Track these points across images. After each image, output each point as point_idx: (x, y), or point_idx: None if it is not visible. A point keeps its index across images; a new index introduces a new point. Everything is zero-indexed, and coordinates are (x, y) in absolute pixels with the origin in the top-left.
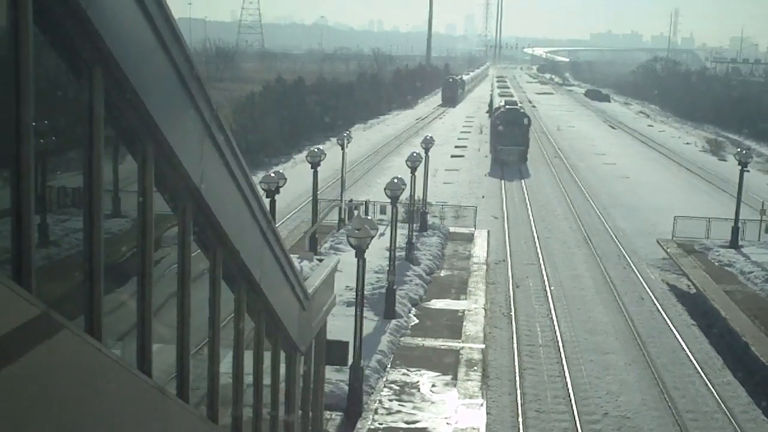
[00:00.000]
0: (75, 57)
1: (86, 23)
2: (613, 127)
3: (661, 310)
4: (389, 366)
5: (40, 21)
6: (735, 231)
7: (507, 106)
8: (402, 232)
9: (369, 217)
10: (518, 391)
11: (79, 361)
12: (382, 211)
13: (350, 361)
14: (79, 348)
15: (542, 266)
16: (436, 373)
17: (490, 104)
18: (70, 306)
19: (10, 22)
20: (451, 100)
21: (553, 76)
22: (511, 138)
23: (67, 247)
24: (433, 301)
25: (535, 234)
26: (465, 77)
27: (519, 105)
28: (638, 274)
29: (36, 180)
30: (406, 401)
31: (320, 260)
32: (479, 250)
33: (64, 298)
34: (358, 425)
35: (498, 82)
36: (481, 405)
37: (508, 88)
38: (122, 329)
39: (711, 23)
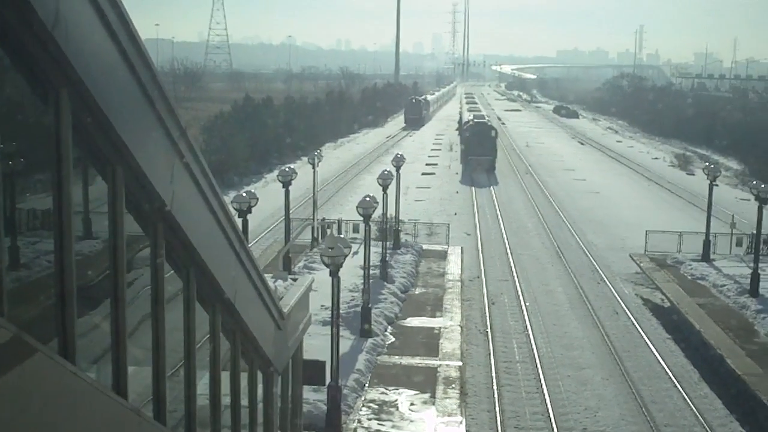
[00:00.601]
0: (41, 78)
1: (52, 45)
2: (582, 143)
3: (636, 324)
4: (367, 385)
5: (4, 43)
6: (706, 244)
7: (475, 120)
8: (375, 250)
9: (342, 236)
10: (497, 408)
11: (53, 384)
12: (355, 230)
13: (328, 380)
14: (52, 371)
15: (516, 282)
16: (415, 392)
17: (460, 120)
18: (43, 329)
19: None
20: (415, 122)
21: (521, 93)
22: (480, 149)
23: (38, 269)
24: (409, 319)
25: (508, 250)
26: (430, 97)
27: (486, 119)
28: (612, 289)
29: (5, 202)
30: (385, 420)
31: (294, 279)
32: (453, 267)
33: (36, 320)
34: None
35: (466, 98)
36: (460, 423)
37: (476, 104)
38: (96, 352)
39: (675, 40)
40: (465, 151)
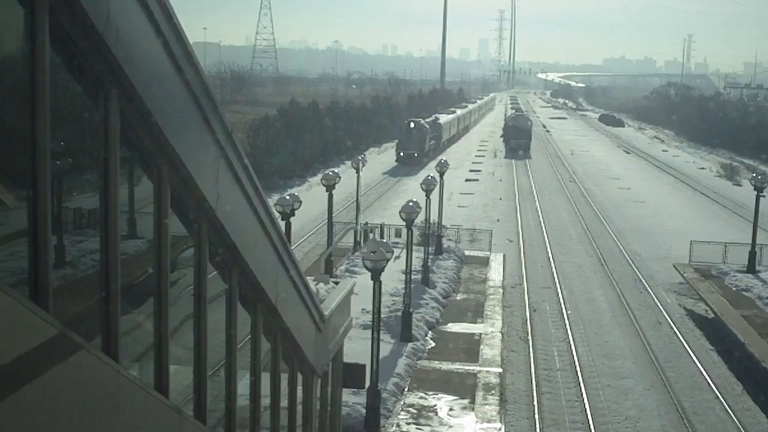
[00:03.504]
0: (91, 79)
1: (102, 47)
2: (628, 152)
3: (678, 334)
4: (406, 389)
5: (56, 44)
6: (752, 256)
7: (516, 113)
8: (417, 255)
9: (384, 240)
10: (536, 416)
11: (97, 381)
12: (397, 234)
13: (367, 384)
14: (96, 368)
15: (558, 290)
16: (454, 397)
17: (505, 118)
18: (87, 326)
19: (26, 45)
20: (411, 159)
21: (567, 101)
22: (518, 134)
23: (84, 267)
24: (450, 324)
25: (550, 257)
26: (443, 118)
27: (524, 112)
28: (655, 299)
29: (53, 200)
30: (423, 425)
31: (336, 283)
32: (495, 273)
33: (81, 318)
34: None
35: (510, 100)
36: (499, 429)
37: (518, 103)
38: (139, 349)
39: (724, 49)
40: (507, 135)
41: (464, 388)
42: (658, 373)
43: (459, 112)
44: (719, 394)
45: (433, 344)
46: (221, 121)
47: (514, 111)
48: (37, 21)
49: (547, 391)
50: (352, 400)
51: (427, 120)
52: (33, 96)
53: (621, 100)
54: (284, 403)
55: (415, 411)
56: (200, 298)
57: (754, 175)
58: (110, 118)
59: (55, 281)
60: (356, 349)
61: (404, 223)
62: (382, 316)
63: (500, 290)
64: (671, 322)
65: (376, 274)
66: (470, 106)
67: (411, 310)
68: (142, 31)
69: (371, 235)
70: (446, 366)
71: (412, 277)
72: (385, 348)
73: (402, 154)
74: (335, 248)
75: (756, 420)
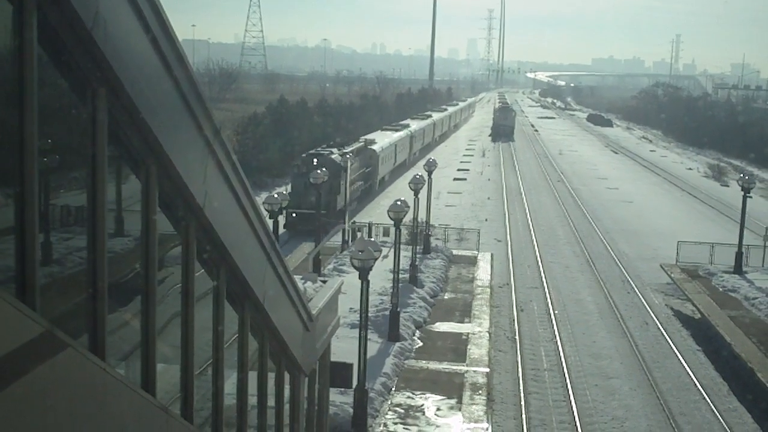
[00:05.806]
0: (80, 77)
1: (91, 45)
2: (616, 152)
3: (665, 335)
4: (394, 389)
5: (44, 42)
6: (739, 256)
7: (502, 105)
8: (405, 254)
9: (372, 239)
10: (524, 416)
11: (83, 379)
12: (386, 233)
13: (355, 383)
14: (82, 366)
15: (546, 290)
16: (441, 397)
17: (494, 111)
18: (74, 324)
19: (14, 41)
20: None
21: (555, 101)
22: (504, 123)
23: (71, 265)
24: (437, 324)
25: (538, 258)
26: (381, 141)
27: (509, 105)
28: (642, 299)
29: (40, 198)
30: (411, 425)
31: (324, 281)
32: (483, 273)
33: (67, 316)
34: None
35: (498, 96)
36: (487, 429)
37: (505, 98)
38: (126, 348)
39: (712, 49)
40: (495, 124)
41: (451, 387)
42: (644, 373)
43: (414, 126)
44: (705, 395)
45: (421, 344)
46: (209, 119)
47: (500, 103)
48: (25, 17)
49: (534, 391)
50: (340, 400)
51: (351, 148)
52: (21, 93)
53: (609, 100)
54: (271, 402)
55: (402, 411)
56: (188, 296)
57: (742, 175)
58: (98, 116)
59: (42, 279)
60: (344, 348)
61: (392, 222)
62: (369, 315)
63: (488, 290)
64: (658, 323)
65: (363, 273)
66: (435, 117)
67: (399, 309)
68: (131, 28)
69: (359, 234)
70: (434, 365)
71: (400, 276)
72: (373, 347)
73: (294, 215)
74: (323, 247)
75: (742, 420)
